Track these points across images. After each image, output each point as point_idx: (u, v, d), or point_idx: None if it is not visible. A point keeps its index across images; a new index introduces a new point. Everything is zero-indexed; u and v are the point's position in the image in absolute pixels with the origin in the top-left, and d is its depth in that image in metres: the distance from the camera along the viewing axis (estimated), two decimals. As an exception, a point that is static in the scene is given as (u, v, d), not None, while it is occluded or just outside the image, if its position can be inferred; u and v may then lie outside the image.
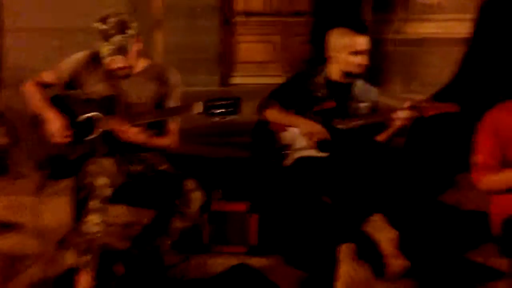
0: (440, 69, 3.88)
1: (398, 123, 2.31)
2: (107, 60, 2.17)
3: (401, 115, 2.29)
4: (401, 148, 2.79)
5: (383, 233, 2.15)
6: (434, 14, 4.86)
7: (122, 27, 2.18)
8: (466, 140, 2.19)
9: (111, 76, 2.25)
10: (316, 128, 2.40)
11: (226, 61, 5.75)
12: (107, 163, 2.17)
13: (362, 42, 2.39)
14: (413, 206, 2.40)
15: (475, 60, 3.21)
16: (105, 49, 2.15)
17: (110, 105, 2.23)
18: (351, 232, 2.15)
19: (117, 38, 2.15)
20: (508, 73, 2.68)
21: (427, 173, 2.66)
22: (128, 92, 2.26)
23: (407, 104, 2.30)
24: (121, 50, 2.16)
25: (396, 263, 2.09)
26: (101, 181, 2.06)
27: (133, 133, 2.15)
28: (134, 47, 2.20)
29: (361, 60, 2.40)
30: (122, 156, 2.26)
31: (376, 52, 5.18)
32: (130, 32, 2.17)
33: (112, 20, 2.17)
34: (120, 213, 2.43)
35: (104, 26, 2.16)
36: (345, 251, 2.09)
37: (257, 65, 5.80)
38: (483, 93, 2.57)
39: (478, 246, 2.27)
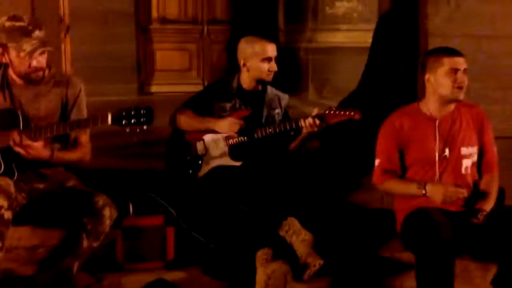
0: (350, 76, 4.10)
1: (305, 131, 2.40)
2: (29, 56, 2.07)
3: (307, 123, 2.37)
4: (314, 152, 2.92)
5: (297, 236, 2.24)
6: (343, 24, 5.22)
7: (37, 24, 2.13)
8: (371, 143, 2.34)
9: (8, 87, 2.15)
10: (231, 121, 2.45)
11: (143, 69, 5.72)
12: (4, 184, 2.03)
13: (272, 48, 2.48)
14: (324, 208, 2.53)
15: (374, 68, 3.47)
16: (28, 44, 2.06)
17: (8, 118, 2.10)
18: (267, 237, 2.22)
19: (37, 34, 2.08)
20: (403, 79, 2.89)
21: (336, 175, 2.81)
22: (28, 104, 2.15)
23: (314, 111, 2.39)
24: (45, 45, 2.09)
25: (312, 262, 2.18)
26: (0, 203, 1.94)
27: (36, 148, 2.05)
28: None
29: (272, 66, 2.48)
30: (22, 174, 2.13)
31: (291, 60, 5.45)
32: (43, 31, 2.11)
33: (25, 17, 2.11)
34: (24, 235, 2.27)
35: (20, 23, 2.08)
36: (261, 255, 2.15)
37: (175, 73, 5.79)
38: (383, 99, 2.75)
39: (385, 242, 2.42)
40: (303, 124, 2.38)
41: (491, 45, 3.09)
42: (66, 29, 3.70)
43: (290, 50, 5.48)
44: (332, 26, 5.27)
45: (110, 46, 5.24)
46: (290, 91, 5.17)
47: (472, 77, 3.01)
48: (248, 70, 2.50)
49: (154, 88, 5.73)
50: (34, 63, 2.09)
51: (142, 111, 2.02)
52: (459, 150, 2.27)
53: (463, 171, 2.28)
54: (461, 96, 2.26)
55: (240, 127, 2.45)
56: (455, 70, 2.23)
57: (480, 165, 2.35)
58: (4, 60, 2.13)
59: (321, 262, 2.19)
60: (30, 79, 2.14)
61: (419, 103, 2.35)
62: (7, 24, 2.08)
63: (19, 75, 2.15)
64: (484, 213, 2.21)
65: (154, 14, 5.74)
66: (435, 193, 2.18)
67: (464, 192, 2.20)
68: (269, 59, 2.47)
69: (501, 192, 2.51)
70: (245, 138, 2.44)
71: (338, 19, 5.27)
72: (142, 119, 2.01)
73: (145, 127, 2.02)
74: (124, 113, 2.01)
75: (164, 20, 5.76)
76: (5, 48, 2.09)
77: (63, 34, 3.59)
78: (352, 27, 5.07)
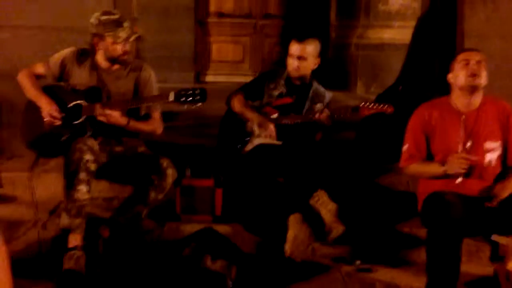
0: (397, 73, 4.21)
1: (324, 122, 2.82)
2: (124, 42, 2.61)
3: (319, 117, 2.80)
4: (349, 141, 3.35)
5: (325, 205, 2.70)
6: (396, 21, 5.38)
7: (125, 17, 2.69)
8: (401, 135, 2.62)
9: (96, 69, 2.72)
10: (264, 123, 2.90)
11: (200, 60, 6.10)
12: (92, 143, 2.60)
13: (295, 48, 2.89)
14: (351, 185, 2.95)
15: (411, 66, 3.73)
16: (123, 32, 2.62)
17: (94, 94, 2.67)
18: (299, 205, 2.68)
19: (127, 24, 2.65)
20: (437, 78, 3.17)
21: (367, 161, 3.18)
22: (110, 84, 2.72)
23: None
24: (135, 33, 2.64)
25: (335, 227, 2.65)
26: (88, 157, 2.49)
27: (115, 116, 2.60)
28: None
29: (296, 63, 2.89)
30: (105, 138, 2.71)
31: (341, 56, 5.74)
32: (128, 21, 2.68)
33: (115, 11, 2.69)
34: (103, 188, 2.90)
35: (114, 16, 2.65)
36: (293, 219, 2.63)
37: (229, 64, 6.18)
38: (416, 96, 2.96)
39: (406, 220, 2.78)
40: (319, 119, 2.79)
41: None
42: (133, 22, 4.32)
43: (341, 45, 5.67)
44: (385, 23, 5.40)
45: (171, 37, 5.67)
46: (339, 86, 5.52)
47: (507, 76, 3.27)
48: (287, 65, 2.97)
49: (209, 78, 6.13)
50: (126, 47, 2.66)
51: (197, 91, 2.54)
52: (483, 144, 2.46)
53: (486, 164, 2.46)
54: (476, 82, 2.43)
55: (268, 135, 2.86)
56: (467, 61, 2.45)
57: (505, 159, 2.49)
58: (97, 48, 2.71)
59: (344, 228, 2.64)
60: (121, 61, 2.70)
61: (448, 97, 2.56)
62: (103, 17, 2.64)
63: (110, 59, 2.70)
64: (499, 198, 2.37)
65: (212, 8, 6.15)
66: (451, 163, 2.38)
67: (478, 158, 2.40)
68: (292, 56, 2.89)
69: None
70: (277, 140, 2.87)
71: (391, 15, 5.40)
72: (197, 98, 2.53)
73: (199, 104, 2.54)
74: (182, 92, 2.54)
75: (220, 15, 6.15)
76: (101, 37, 2.66)
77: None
78: (405, 23, 5.10)
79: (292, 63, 2.95)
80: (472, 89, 2.47)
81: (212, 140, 3.16)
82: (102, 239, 2.57)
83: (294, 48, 2.93)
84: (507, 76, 3.07)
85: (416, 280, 2.49)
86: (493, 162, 2.49)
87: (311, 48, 2.92)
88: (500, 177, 2.48)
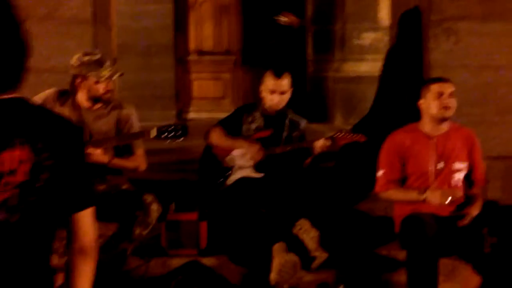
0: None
1: (317, 151, 2.96)
2: (108, 81, 2.72)
3: (318, 145, 2.95)
4: (328, 169, 3.49)
5: (307, 233, 2.81)
6: (367, 54, 5.62)
7: (106, 56, 2.81)
8: (375, 163, 2.79)
9: (76, 109, 2.82)
10: (255, 148, 3.03)
11: (181, 97, 6.30)
12: None
13: (275, 83, 3.03)
14: (331, 212, 3.08)
15: (382, 97, 3.97)
16: (104, 72, 2.74)
17: None
18: (282, 234, 2.78)
19: (108, 63, 2.78)
20: (407, 107, 3.25)
21: (345, 188, 3.33)
22: (91, 123, 2.82)
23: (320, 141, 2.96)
24: (117, 71, 2.76)
25: (319, 255, 2.75)
26: None
27: (96, 155, 2.67)
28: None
29: (274, 98, 3.03)
30: None
31: (319, 89, 5.96)
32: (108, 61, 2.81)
33: (97, 51, 2.82)
34: (88, 227, 2.96)
35: (96, 56, 2.77)
36: (277, 248, 2.72)
37: (210, 100, 6.40)
38: (389, 124, 3.10)
39: (385, 243, 2.91)
40: (315, 145, 2.94)
41: (489, 75, 3.47)
42: (113, 61, 4.47)
43: (318, 79, 5.92)
44: (359, 56, 5.63)
45: (152, 76, 5.86)
46: (318, 118, 5.69)
47: (472, 104, 3.47)
48: (263, 99, 3.11)
49: (191, 115, 6.33)
50: (109, 86, 2.79)
51: (178, 127, 2.67)
52: (452, 165, 2.69)
53: (453, 183, 2.68)
54: (447, 114, 2.66)
55: (257, 158, 2.98)
56: (440, 94, 2.65)
57: (469, 180, 2.74)
58: (80, 88, 2.81)
59: (327, 255, 2.75)
60: (103, 100, 2.80)
61: (418, 123, 2.76)
62: (85, 58, 2.76)
63: (93, 98, 2.81)
64: (470, 216, 2.60)
65: (192, 46, 6.40)
66: (434, 196, 2.56)
67: (459, 193, 2.60)
68: (275, 92, 3.02)
69: (494, 205, 2.98)
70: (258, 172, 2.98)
71: (364, 49, 5.64)
72: (178, 133, 2.65)
73: (181, 139, 2.65)
74: (164, 128, 2.66)
75: (200, 52, 6.40)
76: (84, 77, 2.77)
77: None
78: (378, 57, 5.19)
79: (273, 99, 3.06)
80: (443, 119, 2.70)
81: (195, 175, 3.25)
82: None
83: (276, 84, 3.04)
84: (470, 104, 3.27)
85: (398, 301, 2.57)
86: (459, 183, 2.72)
87: (288, 81, 3.08)
88: (466, 196, 2.69)
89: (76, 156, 1.30)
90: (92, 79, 2.77)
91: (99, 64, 2.76)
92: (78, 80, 2.80)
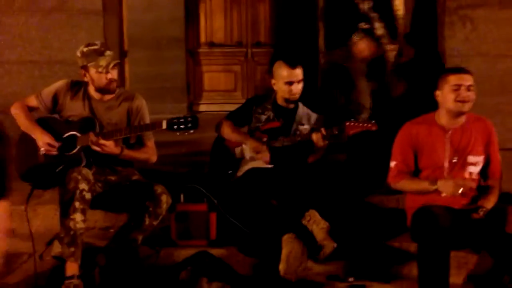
0: None
1: (318, 144, 2.94)
2: (106, 70, 2.73)
3: (315, 137, 2.91)
4: (339, 163, 3.48)
5: (317, 224, 2.82)
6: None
7: (107, 46, 2.83)
8: (389, 155, 2.75)
9: (88, 100, 2.85)
10: (260, 147, 3.04)
11: (192, 90, 6.33)
12: (87, 173, 2.69)
13: (291, 74, 3.02)
14: (342, 204, 3.07)
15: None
16: (103, 61, 2.76)
17: (88, 125, 2.79)
18: (292, 225, 2.80)
19: (108, 53, 2.79)
20: (425, 97, 3.31)
21: (357, 181, 3.30)
22: (102, 114, 2.85)
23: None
24: (115, 59, 2.77)
25: (327, 245, 2.76)
26: (83, 186, 2.59)
27: (108, 146, 2.72)
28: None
29: (292, 89, 3.03)
30: (99, 167, 2.83)
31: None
32: (112, 51, 2.82)
33: (97, 42, 2.85)
34: (99, 218, 3.01)
35: (95, 46, 2.79)
36: (287, 238, 2.74)
37: (222, 93, 6.38)
38: (406, 114, 3.04)
39: (396, 235, 2.89)
40: (313, 138, 2.92)
41: (506, 63, 3.43)
42: (125, 54, 4.51)
43: None
44: None
45: (163, 69, 5.91)
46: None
47: (488, 93, 3.44)
48: (277, 90, 3.12)
49: (202, 108, 6.33)
50: (109, 75, 2.79)
51: (189, 118, 2.68)
52: (466, 158, 2.64)
53: (467, 175, 2.64)
54: (465, 109, 2.57)
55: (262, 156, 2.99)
56: (458, 86, 2.56)
57: (485, 172, 2.68)
58: (85, 79, 2.86)
59: (335, 245, 2.74)
60: (107, 90, 2.83)
61: (434, 114, 2.69)
62: (85, 49, 2.80)
63: (98, 89, 2.84)
64: (484, 209, 2.54)
65: (203, 39, 6.39)
66: (446, 186, 2.52)
67: (472, 183, 2.55)
68: (294, 82, 3.03)
69: (508, 197, 2.91)
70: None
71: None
72: (189, 125, 2.67)
73: (192, 131, 2.67)
74: (175, 120, 2.68)
75: (211, 44, 6.39)
76: (86, 68, 2.81)
77: (123, 58, 4.41)
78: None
79: (292, 89, 3.04)
80: (460, 114, 2.63)
81: (205, 167, 3.27)
82: (98, 267, 2.65)
83: (291, 74, 3.03)
84: (487, 94, 3.21)
85: (409, 294, 2.57)
86: (474, 175, 2.66)
87: (301, 70, 3.09)
88: (481, 189, 2.64)
89: None
90: (92, 70, 2.80)
91: (98, 53, 2.79)
92: (83, 72, 2.85)
